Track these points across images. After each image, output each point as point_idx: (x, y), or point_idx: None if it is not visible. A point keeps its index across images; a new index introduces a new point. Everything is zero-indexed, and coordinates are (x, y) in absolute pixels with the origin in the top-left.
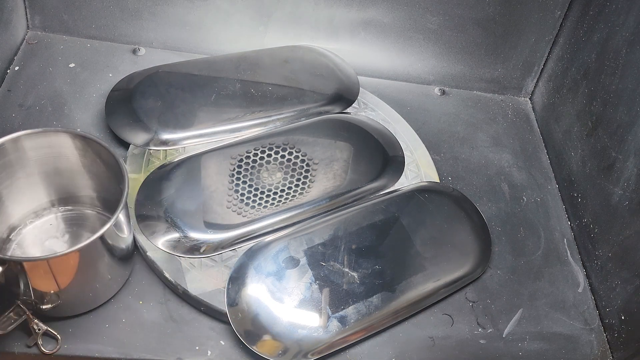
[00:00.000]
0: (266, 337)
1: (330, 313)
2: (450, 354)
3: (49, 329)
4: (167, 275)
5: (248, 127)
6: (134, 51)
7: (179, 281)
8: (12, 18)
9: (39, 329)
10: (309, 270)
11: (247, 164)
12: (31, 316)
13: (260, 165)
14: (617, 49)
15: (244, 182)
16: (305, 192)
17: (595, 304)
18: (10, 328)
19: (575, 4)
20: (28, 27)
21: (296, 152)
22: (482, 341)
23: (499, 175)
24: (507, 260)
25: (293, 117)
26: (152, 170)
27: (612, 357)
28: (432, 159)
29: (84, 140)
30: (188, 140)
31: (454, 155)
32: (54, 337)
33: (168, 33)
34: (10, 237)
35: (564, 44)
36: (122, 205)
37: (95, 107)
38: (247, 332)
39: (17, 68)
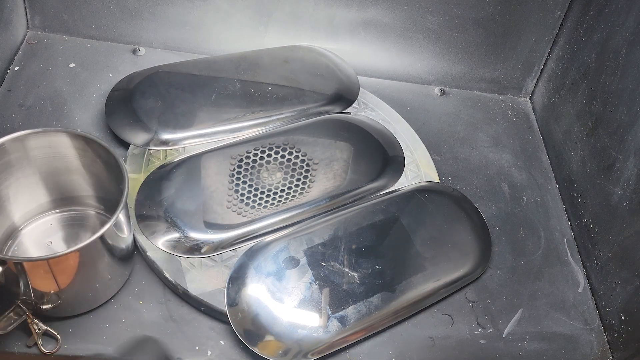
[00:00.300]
0: (266, 337)
1: (330, 313)
2: (450, 354)
3: (49, 329)
4: (167, 275)
5: (248, 127)
6: (134, 51)
7: (179, 281)
8: (12, 18)
9: (39, 329)
10: (309, 270)
11: (247, 164)
12: (31, 316)
13: (260, 165)
14: (617, 49)
15: (244, 182)
16: (305, 192)
17: (595, 304)
18: (10, 328)
19: (575, 4)
20: (28, 27)
21: (296, 152)
22: (482, 341)
23: (499, 175)
24: (507, 260)
25: (293, 117)
26: (152, 170)
27: (612, 357)
28: (432, 159)
29: (84, 140)
30: (188, 140)
31: (454, 155)
32: (54, 337)
33: (168, 33)
34: (10, 237)
35: (564, 44)
36: (122, 205)
37: (95, 107)
38: (247, 332)
39: (17, 68)
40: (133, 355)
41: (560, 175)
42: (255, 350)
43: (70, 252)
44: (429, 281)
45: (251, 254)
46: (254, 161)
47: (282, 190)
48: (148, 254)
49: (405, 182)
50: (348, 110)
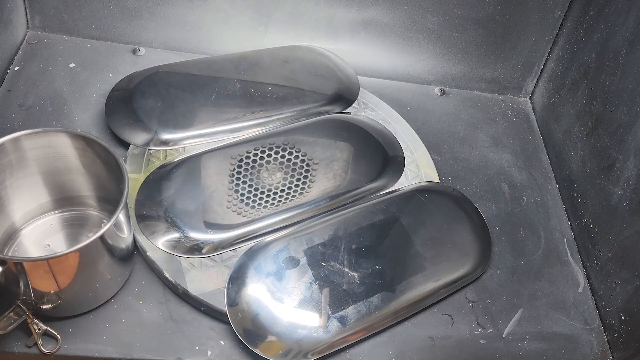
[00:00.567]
0: (266, 338)
1: (330, 313)
2: (450, 354)
3: (49, 329)
4: (167, 275)
5: (248, 127)
6: (134, 51)
7: (179, 281)
8: (12, 18)
9: (39, 329)
10: (309, 270)
11: (247, 163)
12: (31, 316)
13: (260, 165)
14: (617, 49)
15: (244, 182)
16: (305, 192)
17: (595, 304)
18: (10, 328)
19: (575, 4)
20: (28, 27)
21: (296, 152)
22: (482, 341)
23: (499, 175)
24: (507, 260)
25: (293, 117)
26: (152, 170)
27: (612, 357)
28: (432, 159)
29: (84, 140)
30: (188, 141)
31: (454, 155)
32: (54, 337)
33: (168, 33)
34: (11, 237)
35: (564, 44)
36: (122, 205)
37: (95, 107)
38: (247, 332)
39: (17, 68)
40: (133, 355)
41: (560, 175)
42: (256, 350)
43: (70, 252)
44: (429, 281)
45: (251, 254)
46: (254, 161)
47: (282, 190)
48: (148, 254)
49: (405, 182)
50: (348, 110)
